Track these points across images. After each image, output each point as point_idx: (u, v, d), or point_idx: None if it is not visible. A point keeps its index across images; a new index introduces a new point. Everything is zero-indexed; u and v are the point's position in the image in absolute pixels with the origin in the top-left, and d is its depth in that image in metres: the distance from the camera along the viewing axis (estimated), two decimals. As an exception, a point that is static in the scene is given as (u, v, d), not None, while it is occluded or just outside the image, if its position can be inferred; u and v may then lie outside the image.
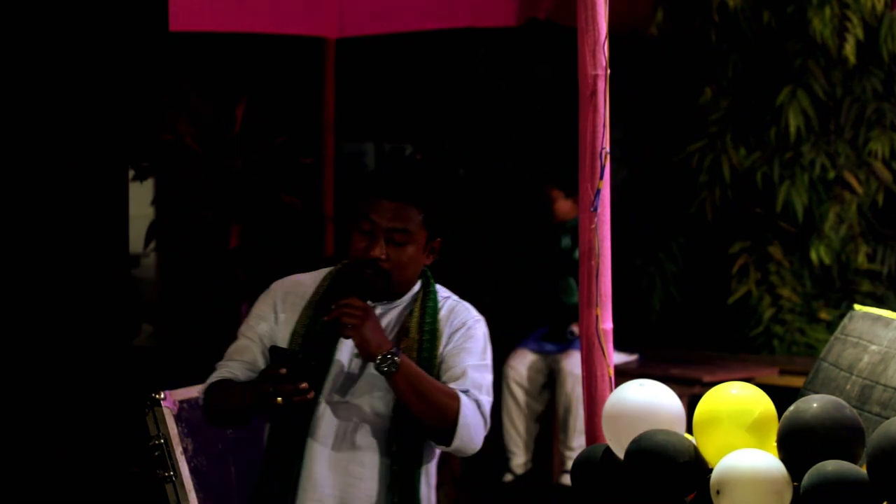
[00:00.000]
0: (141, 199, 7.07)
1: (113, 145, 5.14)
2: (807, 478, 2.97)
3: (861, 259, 7.35)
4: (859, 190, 7.32)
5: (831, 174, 7.35)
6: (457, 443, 3.11)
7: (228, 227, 6.95)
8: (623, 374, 4.40)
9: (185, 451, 3.54)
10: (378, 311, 3.20)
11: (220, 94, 7.14)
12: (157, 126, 6.67)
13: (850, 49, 7.05)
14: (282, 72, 7.82)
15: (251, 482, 3.65)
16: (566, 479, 6.76)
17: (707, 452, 3.17)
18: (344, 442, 3.15)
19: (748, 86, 7.51)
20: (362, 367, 3.19)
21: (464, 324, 3.23)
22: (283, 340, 3.22)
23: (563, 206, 6.96)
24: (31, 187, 4.89)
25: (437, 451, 3.25)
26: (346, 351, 3.19)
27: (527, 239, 7.39)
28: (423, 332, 3.18)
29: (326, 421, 3.16)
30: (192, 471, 3.53)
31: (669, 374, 6.39)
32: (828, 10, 7.07)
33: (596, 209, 3.92)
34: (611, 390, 3.78)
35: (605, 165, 3.91)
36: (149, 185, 7.17)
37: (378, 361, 3.06)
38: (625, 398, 3.37)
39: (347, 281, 3.21)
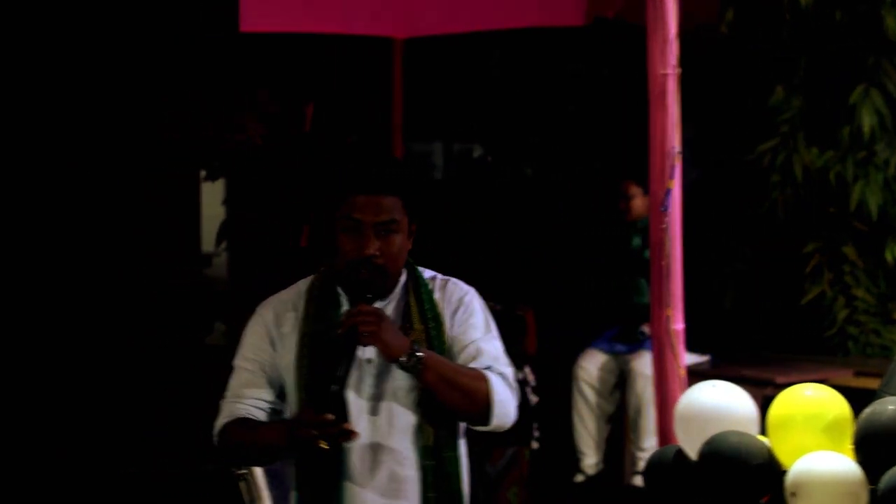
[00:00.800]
0: (212, 199, 7.13)
1: (185, 146, 5.19)
2: (884, 481, 2.93)
3: (936, 258, 7.27)
4: (934, 189, 7.24)
5: (905, 173, 7.27)
6: (495, 421, 3.10)
7: (299, 226, 6.99)
8: (695, 375, 4.37)
9: (257, 449, 3.55)
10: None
11: (290, 95, 7.18)
12: (228, 126, 6.72)
13: (924, 47, 6.97)
14: (350, 72, 7.85)
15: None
16: (638, 480, 6.73)
17: (781, 454, 3.14)
18: (382, 453, 3.12)
19: (820, 85, 7.44)
20: (378, 374, 3.14)
21: (460, 300, 3.19)
22: (287, 365, 3.17)
23: (641, 203, 6.92)
24: (105, 189, 4.94)
25: (460, 431, 3.21)
26: (355, 362, 3.11)
27: (597, 239, 7.36)
28: (427, 320, 3.15)
29: (357, 445, 3.11)
30: (265, 469, 3.55)
31: (742, 376, 6.33)
32: (902, 8, 7.00)
33: (666, 209, 3.90)
34: (682, 391, 3.76)
35: (675, 165, 3.89)
36: (220, 184, 7.23)
37: (403, 362, 3.03)
38: (697, 399, 3.35)
39: (345, 287, 3.15)
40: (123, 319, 4.97)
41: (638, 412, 6.78)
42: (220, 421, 3.22)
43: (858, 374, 6.71)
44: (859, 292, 7.40)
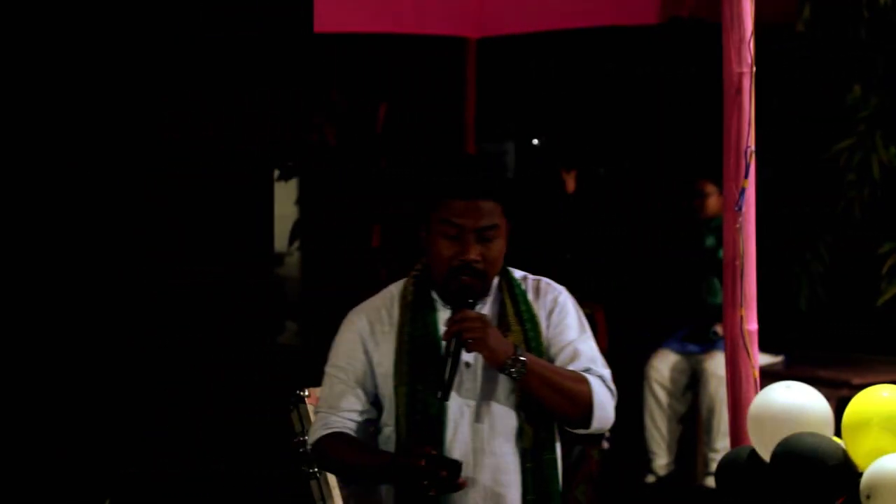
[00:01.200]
0: (285, 199, 7.18)
1: (258, 145, 5.22)
2: (961, 484, 2.89)
3: None
4: None
5: (985, 172, 7.17)
6: (595, 423, 3.09)
7: (371, 225, 7.01)
8: (769, 376, 4.33)
9: (328, 447, 3.56)
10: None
11: (363, 95, 7.22)
12: (301, 126, 6.76)
13: None
14: (423, 72, 7.87)
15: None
16: (710, 482, 6.68)
17: (857, 456, 3.10)
18: (484, 457, 3.10)
19: (899, 83, 7.36)
20: (478, 379, 3.12)
21: (555, 301, 3.18)
22: (384, 373, 3.15)
23: (715, 202, 6.88)
24: (180, 188, 4.98)
25: (557, 434, 3.20)
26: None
27: (671, 238, 7.32)
28: (524, 322, 3.13)
29: (459, 443, 3.10)
30: (337, 467, 3.55)
31: (817, 377, 6.28)
32: (982, 4, 6.90)
33: (741, 208, 3.87)
34: (756, 392, 3.73)
35: (749, 164, 3.86)
36: (293, 184, 7.28)
37: (508, 367, 3.01)
38: (771, 400, 3.32)
39: (443, 293, 3.13)
40: (193, 319, 5.01)
41: (710, 413, 6.74)
42: (316, 432, 3.21)
43: (935, 375, 6.62)
44: (936, 293, 7.31)
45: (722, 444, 6.59)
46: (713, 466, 6.37)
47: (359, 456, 3.14)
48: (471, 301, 3.07)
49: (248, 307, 5.14)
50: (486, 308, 3.15)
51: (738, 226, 3.88)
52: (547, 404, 3.06)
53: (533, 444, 3.10)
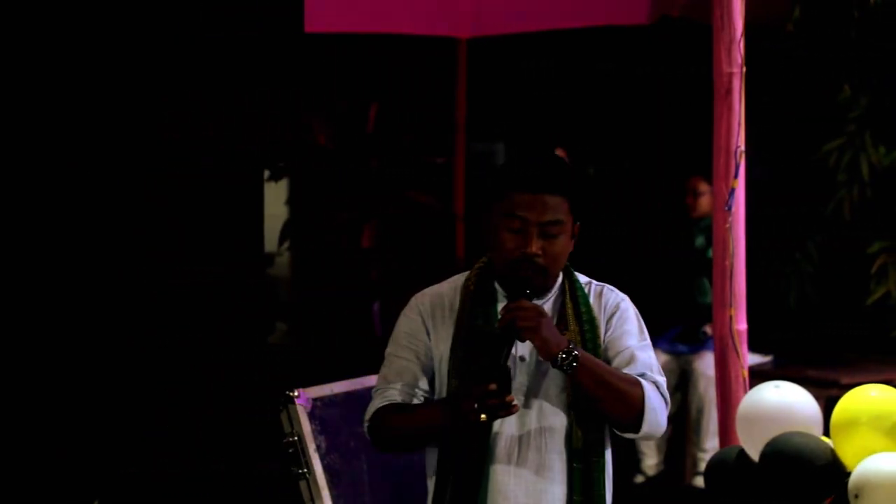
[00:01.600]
0: (276, 199, 7.17)
1: (249, 145, 5.22)
2: (949, 483, 2.90)
3: None
4: None
5: (975, 172, 7.19)
6: (645, 428, 3.05)
7: (361, 226, 7.01)
8: (758, 376, 4.34)
9: (318, 448, 3.57)
10: None
11: (354, 95, 7.21)
12: (292, 126, 6.75)
13: None
14: (414, 72, 7.86)
15: (382, 480, 3.67)
16: (699, 481, 6.69)
17: (845, 455, 3.11)
18: (529, 450, 3.10)
19: (888, 83, 7.36)
20: (531, 372, 3.12)
21: (616, 306, 3.18)
22: (441, 356, 3.15)
23: (708, 201, 6.89)
24: (171, 188, 4.98)
25: (609, 437, 3.20)
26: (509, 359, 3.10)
27: (661, 238, 7.33)
28: (583, 323, 3.12)
29: (505, 436, 3.10)
30: (326, 468, 3.56)
31: (806, 376, 6.29)
32: (971, 5, 6.91)
33: (731, 208, 3.88)
34: (745, 392, 3.74)
35: (739, 164, 3.87)
36: (283, 184, 7.27)
37: (560, 360, 3.00)
38: (760, 400, 3.32)
39: (504, 284, 3.14)
40: (183, 318, 5.01)
41: (700, 413, 6.74)
42: (374, 405, 3.20)
43: (924, 375, 6.63)
44: (925, 293, 7.32)
45: (711, 444, 6.59)
46: (702, 466, 6.38)
47: (415, 416, 3.13)
48: (528, 292, 3.07)
49: (239, 307, 5.14)
50: (547, 305, 3.14)
51: (727, 225, 3.89)
52: (598, 403, 3.05)
53: (583, 444, 3.09)
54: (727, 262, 3.88)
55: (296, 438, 3.55)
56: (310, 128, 6.91)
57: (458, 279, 3.24)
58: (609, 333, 3.15)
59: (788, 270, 7.70)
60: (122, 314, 4.97)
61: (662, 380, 3.11)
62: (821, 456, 3.12)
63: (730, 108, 3.87)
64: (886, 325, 7.39)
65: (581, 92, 8.28)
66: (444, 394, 3.16)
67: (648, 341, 3.18)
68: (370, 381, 3.77)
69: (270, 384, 4.54)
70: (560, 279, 3.18)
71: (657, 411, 3.05)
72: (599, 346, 3.12)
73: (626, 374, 3.07)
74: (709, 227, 6.46)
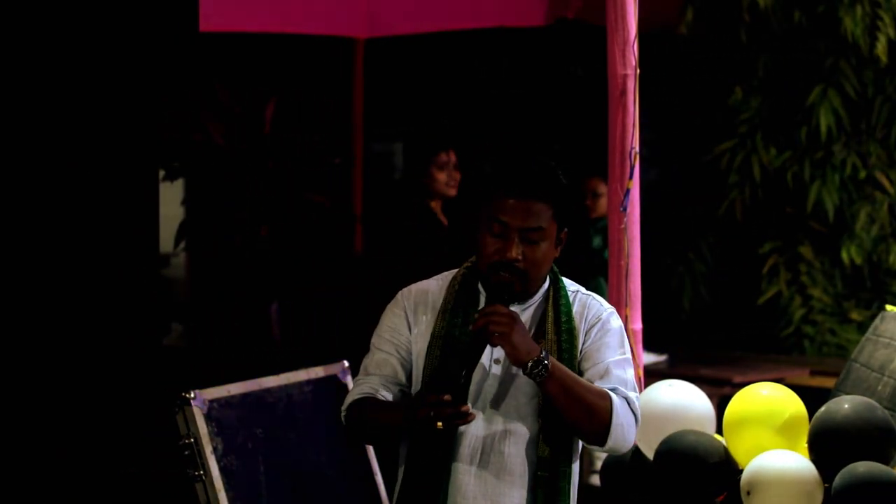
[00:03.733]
0: (171, 199, 7.10)
1: (143, 145, 5.16)
2: (838, 479, 2.96)
3: (893, 259, 7.31)
4: (891, 190, 7.29)
5: (862, 174, 7.32)
6: (611, 443, 3.03)
7: (258, 226, 6.97)
8: (652, 375, 4.39)
9: (214, 450, 3.55)
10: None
11: (250, 95, 7.16)
12: (187, 126, 6.69)
13: (881, 48, 7.02)
14: (311, 72, 7.83)
15: (280, 481, 3.66)
16: (595, 480, 6.73)
17: (737, 453, 3.16)
18: (492, 453, 3.10)
19: (779, 85, 7.48)
20: (503, 376, 3.12)
21: (598, 318, 3.15)
22: (419, 352, 3.15)
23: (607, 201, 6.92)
24: (61, 187, 4.91)
25: (579, 448, 3.19)
26: (483, 361, 3.11)
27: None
28: (561, 332, 3.11)
29: (470, 436, 3.11)
30: (222, 470, 3.54)
31: (699, 375, 6.35)
32: (859, 10, 7.04)
33: (626, 209, 3.92)
34: (640, 391, 3.78)
35: (634, 165, 3.91)
36: (179, 185, 7.20)
37: (529, 367, 2.99)
38: (654, 399, 3.36)
39: (485, 286, 3.16)
40: (76, 320, 4.94)
41: (597, 412, 6.79)
42: (351, 395, 3.21)
43: (814, 373, 6.75)
44: (816, 292, 7.45)
45: (608, 443, 6.64)
46: (598, 465, 6.44)
47: (379, 413, 3.14)
48: (506, 297, 3.07)
49: (134, 309, 5.08)
50: (528, 311, 3.15)
51: (623, 226, 3.92)
52: (565, 413, 3.03)
53: (550, 453, 3.08)
54: (622, 263, 3.92)
55: (192, 440, 3.52)
56: (205, 128, 6.84)
57: (447, 276, 3.25)
58: (587, 344, 3.13)
59: (682, 270, 7.80)
60: (12, 314, 4.89)
61: (634, 395, 3.09)
62: (713, 454, 3.16)
63: (624, 110, 3.90)
64: (778, 324, 7.52)
65: (480, 93, 8.30)
66: (416, 386, 3.18)
67: (628, 357, 3.16)
68: (267, 382, 3.76)
69: (166, 386, 4.50)
70: (546, 286, 3.18)
71: (625, 427, 3.03)
72: (576, 356, 3.11)
73: (596, 387, 3.05)
74: (606, 228, 6.51)
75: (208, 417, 3.57)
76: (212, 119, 6.90)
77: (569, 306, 3.15)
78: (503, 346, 3.00)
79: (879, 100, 7.30)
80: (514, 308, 3.08)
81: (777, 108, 7.50)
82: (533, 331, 3.10)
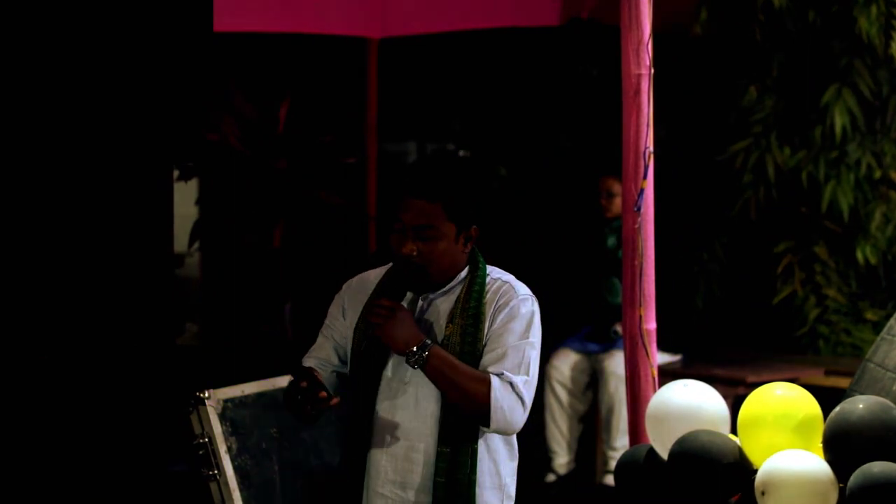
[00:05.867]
0: (185, 199, 7.10)
1: (158, 145, 5.17)
2: (853, 479, 2.95)
3: (908, 259, 7.30)
4: (905, 189, 7.28)
5: (877, 173, 7.30)
6: (493, 425, 3.21)
7: (272, 226, 6.97)
8: (667, 375, 4.38)
9: (229, 450, 3.55)
10: (428, 299, 3.31)
11: (265, 95, 7.17)
12: (201, 126, 6.69)
13: (896, 47, 7.01)
14: (325, 72, 7.84)
15: (294, 481, 3.66)
16: (609, 480, 6.74)
17: (752, 453, 3.15)
18: (400, 431, 3.28)
19: (793, 85, 7.47)
20: None
21: (507, 302, 3.30)
22: (349, 337, 3.36)
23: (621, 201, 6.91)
24: (76, 187, 4.92)
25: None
26: None
27: (572, 238, 7.37)
28: (467, 317, 3.27)
29: (383, 416, 3.29)
30: (237, 470, 3.55)
31: (713, 375, 6.35)
32: (874, 9, 7.02)
33: (640, 209, 3.91)
34: (654, 391, 3.78)
35: (648, 165, 3.90)
36: (193, 184, 7.21)
37: (407, 356, 3.20)
38: (669, 399, 3.36)
39: (388, 278, 3.36)
40: (91, 320, 4.95)
41: (610, 411, 6.79)
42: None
43: (829, 373, 6.74)
44: (830, 292, 7.43)
45: (621, 443, 6.65)
46: (613, 465, 6.43)
47: (291, 393, 3.30)
48: (402, 290, 3.28)
49: (148, 308, 5.09)
50: (445, 298, 3.31)
51: (637, 226, 3.92)
52: (447, 397, 3.23)
53: (452, 429, 3.24)
54: (636, 263, 3.92)
55: (206, 440, 3.53)
56: (220, 128, 6.85)
57: (388, 266, 3.42)
58: (492, 328, 3.28)
59: (696, 270, 7.79)
60: (27, 314, 4.90)
61: (522, 379, 3.24)
62: (728, 454, 3.16)
63: (638, 110, 3.90)
64: (792, 324, 7.50)
65: (494, 93, 8.30)
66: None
67: (532, 341, 3.29)
68: (281, 381, 3.76)
69: (180, 386, 4.51)
70: (463, 274, 3.33)
71: (505, 409, 3.20)
72: (480, 340, 3.27)
73: (476, 372, 3.23)
74: (620, 228, 6.50)
75: (223, 417, 3.58)
76: (226, 119, 6.91)
77: (480, 293, 3.31)
78: (381, 337, 3.22)
79: (894, 99, 7.28)
80: (429, 296, 3.31)
81: (791, 107, 7.48)
82: (445, 316, 3.29)
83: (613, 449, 6.74)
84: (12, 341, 4.82)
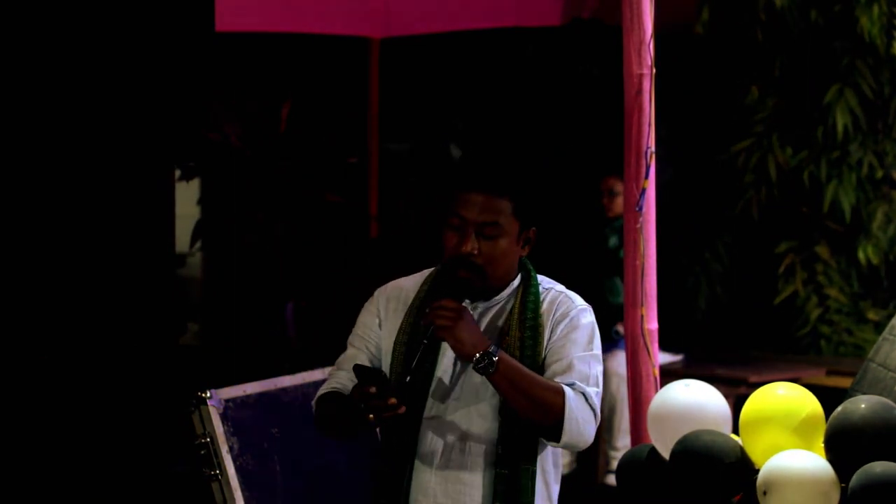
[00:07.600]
0: (187, 199, 7.11)
1: (159, 145, 5.18)
2: (855, 479, 2.95)
3: (910, 259, 7.31)
4: (907, 189, 7.28)
5: (879, 173, 7.30)
6: (566, 438, 3.00)
7: (273, 226, 6.97)
8: (668, 375, 4.38)
9: (230, 449, 3.55)
10: (479, 309, 3.10)
11: (266, 95, 7.17)
12: (203, 126, 6.70)
13: (898, 47, 7.01)
14: (327, 72, 7.84)
15: (295, 481, 3.66)
16: (611, 479, 6.74)
17: (753, 453, 3.15)
18: (452, 451, 3.07)
19: (795, 85, 7.47)
20: (466, 374, 3.08)
21: (566, 314, 3.12)
22: (387, 348, 3.13)
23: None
24: (78, 187, 4.93)
25: (546, 447, 3.16)
26: (448, 358, 3.09)
27: (574, 238, 7.37)
28: (525, 329, 3.07)
29: (432, 434, 3.07)
30: (238, 469, 3.54)
31: (715, 375, 6.35)
32: (876, 9, 7.02)
33: (641, 209, 3.91)
34: (656, 390, 3.77)
35: (650, 165, 3.90)
36: (195, 184, 7.21)
37: (475, 361, 2.95)
38: (670, 398, 3.36)
39: (442, 281, 3.10)
40: (93, 319, 4.95)
41: (612, 411, 6.79)
42: (321, 390, 3.20)
43: (830, 373, 6.74)
44: (832, 292, 7.43)
45: (623, 443, 6.64)
46: (614, 465, 6.43)
47: (334, 408, 3.12)
48: (462, 294, 3.02)
49: (149, 308, 5.10)
50: (495, 308, 3.11)
51: (638, 226, 3.92)
52: (517, 408, 3.00)
53: (510, 450, 3.04)
54: (638, 263, 3.91)
55: (208, 440, 3.53)
56: (221, 128, 6.86)
57: (425, 273, 3.22)
58: (553, 340, 3.09)
59: (698, 270, 7.79)
60: (29, 314, 4.91)
61: (595, 391, 3.06)
62: (730, 454, 3.16)
63: (640, 109, 3.89)
64: (794, 323, 7.50)
65: (495, 93, 8.30)
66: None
67: (596, 353, 3.14)
68: (283, 381, 3.77)
69: (181, 385, 4.51)
70: (515, 283, 3.14)
71: (580, 421, 3.00)
72: (539, 353, 3.07)
73: (548, 381, 3.02)
74: (622, 228, 6.49)
75: (224, 417, 3.57)
76: (227, 119, 6.91)
77: (536, 303, 3.11)
78: (447, 340, 2.97)
79: (896, 99, 7.29)
80: (481, 305, 3.07)
81: (793, 107, 7.48)
82: (498, 328, 3.07)
83: (615, 449, 6.73)
84: (12, 341, 4.82)
